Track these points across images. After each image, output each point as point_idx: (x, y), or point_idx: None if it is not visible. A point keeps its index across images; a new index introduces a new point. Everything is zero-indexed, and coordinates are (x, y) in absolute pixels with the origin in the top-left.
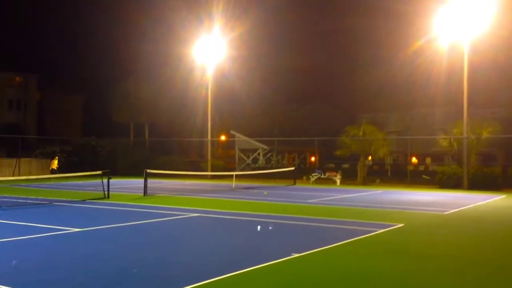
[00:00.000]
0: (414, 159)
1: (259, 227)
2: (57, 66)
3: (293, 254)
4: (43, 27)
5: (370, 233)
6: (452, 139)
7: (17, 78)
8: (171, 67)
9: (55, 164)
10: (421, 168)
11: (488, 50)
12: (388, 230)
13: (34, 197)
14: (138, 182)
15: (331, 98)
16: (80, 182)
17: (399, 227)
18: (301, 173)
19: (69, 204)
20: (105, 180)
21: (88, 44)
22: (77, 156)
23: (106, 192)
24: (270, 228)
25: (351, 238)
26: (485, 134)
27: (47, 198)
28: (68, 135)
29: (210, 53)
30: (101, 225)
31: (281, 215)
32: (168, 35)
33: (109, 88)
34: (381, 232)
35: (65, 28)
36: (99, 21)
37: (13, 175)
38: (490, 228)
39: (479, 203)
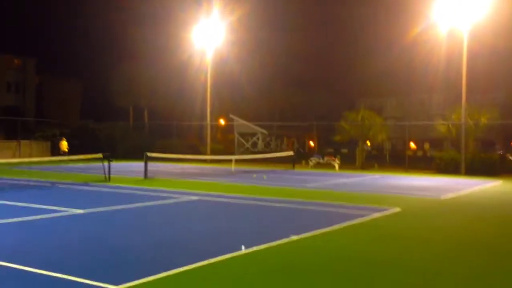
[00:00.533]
0: (412, 145)
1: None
2: (56, 50)
3: (292, 236)
4: (42, 10)
5: (367, 216)
6: (450, 125)
7: (16, 61)
8: (170, 51)
9: (64, 146)
10: (420, 153)
11: (488, 36)
12: (385, 214)
13: (35, 179)
14: (138, 165)
15: (331, 83)
16: (81, 165)
17: (395, 211)
18: (300, 157)
19: (71, 186)
20: (105, 163)
21: (87, 28)
22: (77, 139)
23: (107, 175)
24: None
25: (348, 222)
26: (483, 120)
27: (49, 180)
28: (66, 118)
29: (209, 36)
30: (103, 207)
31: (280, 198)
32: (167, 19)
33: (108, 72)
34: (378, 216)
35: (64, 11)
36: (98, 5)
37: (13, 157)
38: (485, 212)
39: (475, 188)
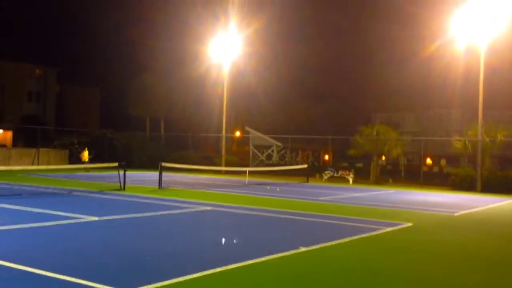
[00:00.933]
0: (428, 160)
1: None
2: (76, 60)
3: (301, 247)
4: (63, 21)
5: (378, 231)
6: (466, 141)
7: (37, 71)
8: (188, 64)
9: (85, 156)
10: (436, 169)
11: (506, 52)
12: (396, 229)
13: (53, 186)
14: (153, 175)
15: (347, 97)
16: (97, 173)
17: (407, 226)
18: (314, 171)
19: (87, 194)
20: (121, 172)
21: (106, 39)
22: (95, 148)
23: (122, 184)
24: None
25: (359, 235)
26: (500, 137)
27: (66, 187)
28: (85, 127)
29: (226, 49)
30: (117, 215)
31: (292, 211)
32: (184, 32)
33: (126, 83)
34: (389, 231)
35: (84, 23)
36: (117, 17)
37: (32, 165)
38: (498, 229)
39: (490, 205)
